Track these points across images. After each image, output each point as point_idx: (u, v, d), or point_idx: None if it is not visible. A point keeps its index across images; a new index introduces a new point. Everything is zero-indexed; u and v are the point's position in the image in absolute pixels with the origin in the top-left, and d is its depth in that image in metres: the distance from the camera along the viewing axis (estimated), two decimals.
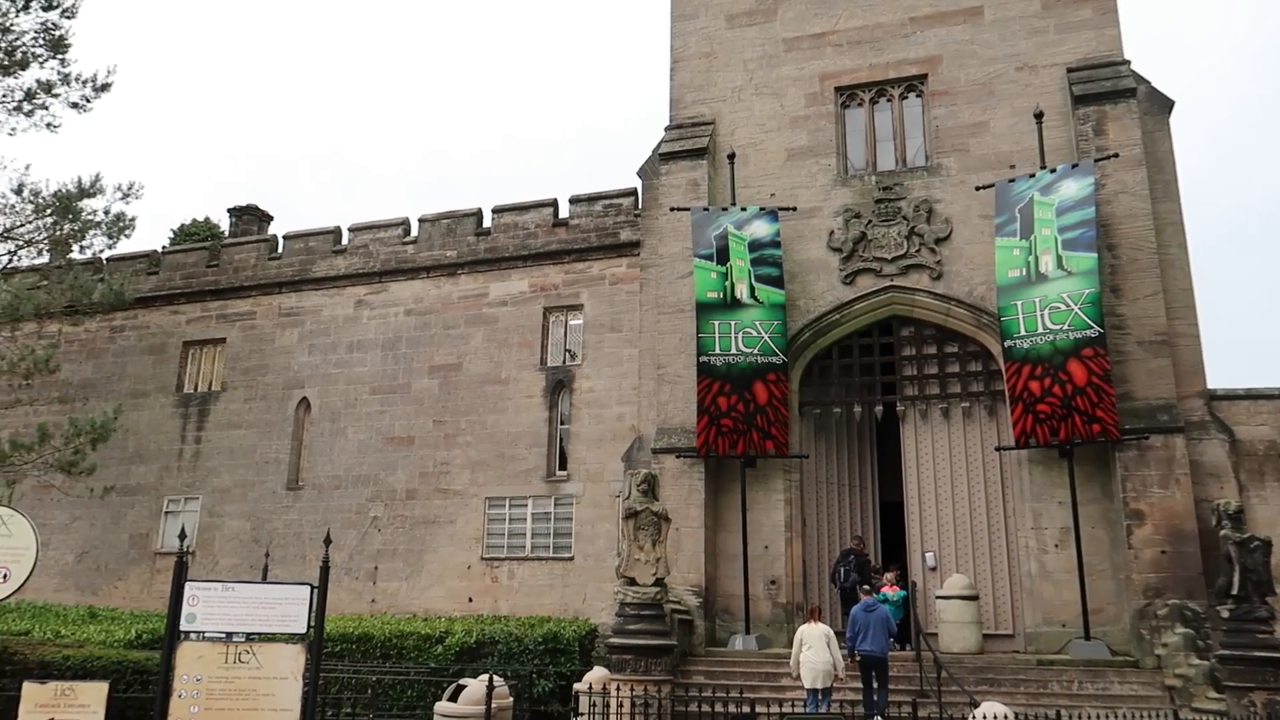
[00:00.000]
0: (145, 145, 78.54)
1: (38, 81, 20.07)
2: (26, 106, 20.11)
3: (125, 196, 21.48)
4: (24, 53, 19.77)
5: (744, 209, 18.15)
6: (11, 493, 21.49)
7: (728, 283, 17.68)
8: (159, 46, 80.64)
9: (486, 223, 23.66)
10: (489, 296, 23.03)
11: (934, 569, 17.31)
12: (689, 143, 19.46)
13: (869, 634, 13.17)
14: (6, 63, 19.57)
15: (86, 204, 20.69)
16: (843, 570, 16.48)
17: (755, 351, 17.42)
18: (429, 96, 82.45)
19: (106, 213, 21.11)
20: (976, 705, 11.64)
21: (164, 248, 28.07)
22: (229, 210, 30.46)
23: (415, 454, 22.50)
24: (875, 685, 13.25)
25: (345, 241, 24.82)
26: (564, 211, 23.05)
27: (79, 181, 20.31)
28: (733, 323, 17.53)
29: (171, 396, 25.23)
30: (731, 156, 18.74)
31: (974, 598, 16.02)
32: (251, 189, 73.71)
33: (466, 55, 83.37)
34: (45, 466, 19.93)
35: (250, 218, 30.26)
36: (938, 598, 16.28)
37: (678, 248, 18.79)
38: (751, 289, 17.63)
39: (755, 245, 17.82)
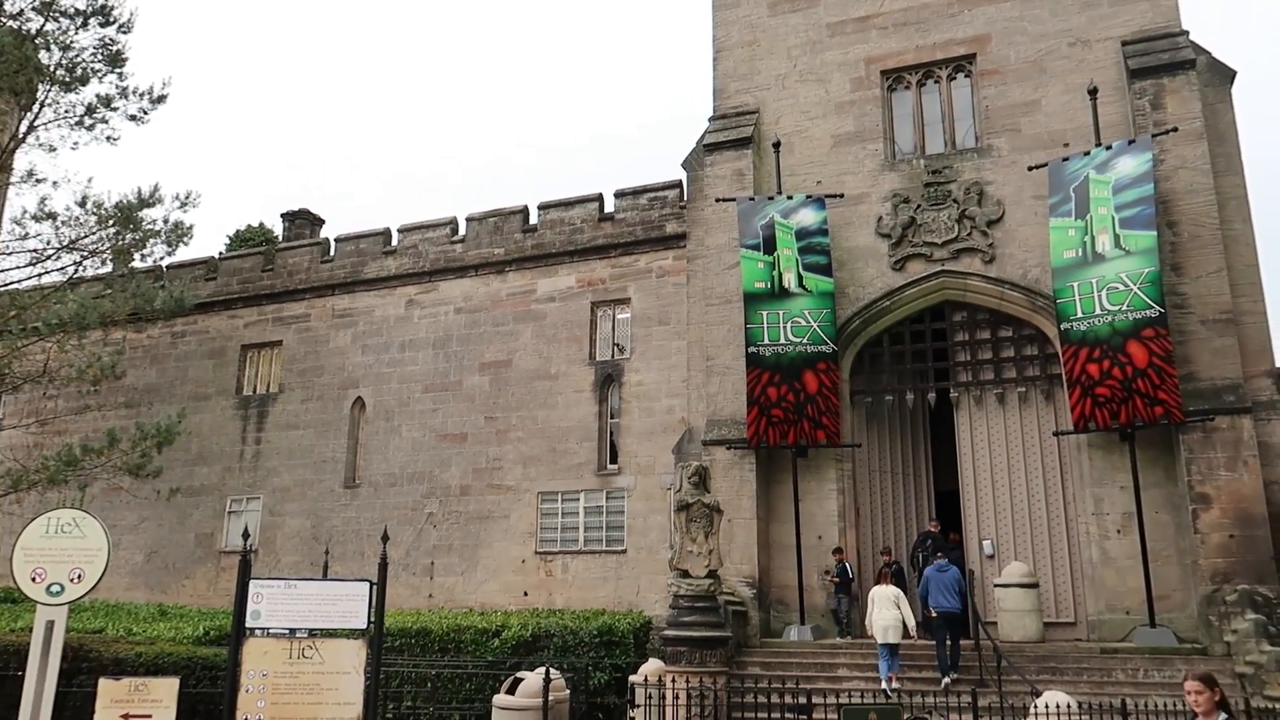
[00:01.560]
0: (200, 153, 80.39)
1: (97, 96, 20.57)
2: (87, 121, 20.62)
3: (183, 205, 21.97)
4: (84, 69, 20.28)
5: (790, 197, 18.00)
6: (83, 496, 22.21)
7: (775, 272, 17.56)
8: (210, 55, 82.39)
9: (533, 220, 23.80)
10: (537, 293, 23.17)
11: (992, 557, 17.05)
12: (733, 132, 19.35)
13: (942, 592, 14.09)
14: (68, 79, 20.11)
15: (146, 214, 21.19)
16: (921, 555, 16.62)
17: (804, 341, 17.29)
18: (469, 99, 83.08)
19: (165, 221, 21.61)
20: (1038, 695, 11.45)
21: (221, 254, 28.73)
22: (282, 215, 31.08)
23: (468, 450, 22.76)
24: (948, 642, 13.98)
25: (395, 242, 25.16)
26: (609, 206, 23.09)
27: (139, 192, 20.82)
28: (781, 312, 17.42)
29: (231, 399, 25.83)
30: (777, 145, 18.59)
31: (1034, 585, 15.74)
32: (302, 194, 75.01)
33: (485, 61, 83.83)
34: (114, 470, 20.53)
35: (302, 222, 30.84)
36: (996, 586, 16.03)
37: (724, 238, 18.70)
38: (799, 278, 17.49)
39: (802, 234, 17.67)
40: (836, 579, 16.65)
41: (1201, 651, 14.10)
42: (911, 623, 13.97)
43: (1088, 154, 16.15)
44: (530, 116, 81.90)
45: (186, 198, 21.92)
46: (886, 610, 13.88)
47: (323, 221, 31.32)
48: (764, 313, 17.44)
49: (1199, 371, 15.48)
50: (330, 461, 24.15)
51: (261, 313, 26.20)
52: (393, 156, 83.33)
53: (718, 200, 18.77)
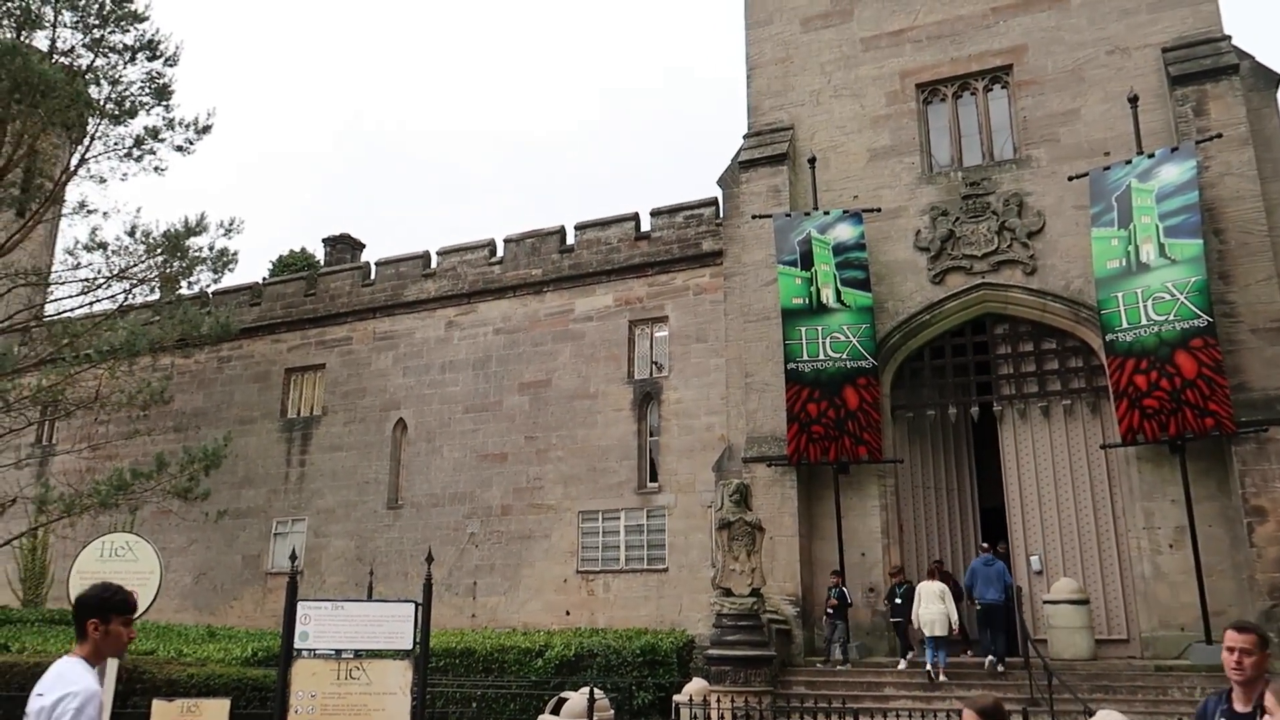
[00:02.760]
0: (243, 178, 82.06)
1: (145, 128, 21.24)
2: (136, 152, 21.28)
3: (228, 232, 22.51)
4: (132, 102, 20.92)
5: (826, 213, 17.96)
6: (134, 519, 22.66)
7: (813, 288, 17.50)
8: (253, 80, 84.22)
9: (570, 240, 23.97)
10: (574, 312, 23.30)
11: (1040, 573, 16.74)
12: (768, 149, 19.36)
13: (989, 585, 14.81)
14: (117, 113, 20.74)
15: (193, 242, 21.78)
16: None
17: (844, 356, 17.19)
18: (508, 120, 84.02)
19: (211, 249, 22.18)
20: (1091, 714, 11.21)
21: (264, 279, 29.26)
22: (323, 240, 31.59)
23: (509, 470, 22.87)
24: (990, 633, 14.74)
25: (434, 265, 25.46)
26: (645, 225, 23.19)
27: (186, 221, 21.38)
28: (820, 328, 17.34)
29: (276, 422, 26.22)
30: (812, 160, 18.58)
31: (1084, 602, 15.43)
32: (343, 217, 76.17)
33: (526, 81, 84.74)
34: (163, 493, 20.95)
35: (343, 246, 31.32)
36: (1045, 602, 15.73)
37: (761, 255, 18.69)
38: (838, 293, 17.41)
39: (840, 249, 17.61)
40: (834, 603, 15.71)
41: None
42: (955, 618, 14.44)
43: (1129, 162, 15.94)
44: (570, 137, 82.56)
45: (231, 224, 22.45)
46: (933, 604, 14.34)
47: (363, 245, 31.79)
48: (802, 329, 17.37)
49: (1251, 381, 15.14)
50: (373, 483, 24.40)
51: (304, 337, 26.61)
52: (433, 181, 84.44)
53: (754, 217, 18.78)
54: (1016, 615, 14.82)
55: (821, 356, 17.24)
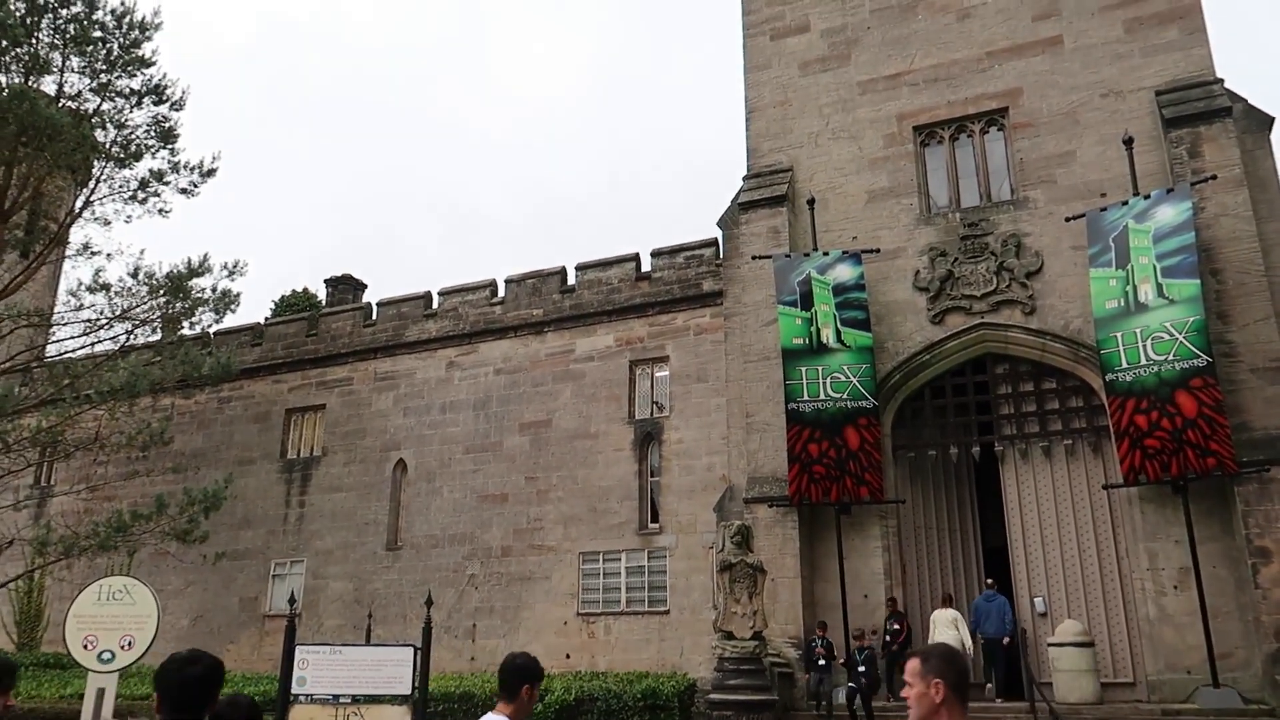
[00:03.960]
0: (246, 219, 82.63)
1: (150, 171, 21.44)
2: (140, 195, 21.47)
3: (230, 274, 22.64)
4: (137, 145, 21.14)
5: (826, 254, 18.07)
6: (131, 561, 22.50)
7: (813, 328, 17.55)
8: (256, 122, 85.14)
9: (570, 280, 24.08)
10: (575, 352, 23.34)
11: (1044, 614, 16.60)
12: (767, 190, 19.52)
13: (990, 619, 15.67)
14: (122, 156, 20.95)
15: (196, 283, 21.91)
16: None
17: (844, 396, 17.19)
18: (505, 161, 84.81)
19: (214, 290, 22.30)
20: None
21: (266, 320, 29.37)
22: (325, 281, 31.80)
23: (509, 511, 22.76)
24: (995, 667, 15.61)
25: (435, 305, 25.56)
26: (646, 265, 23.31)
27: (188, 262, 21.51)
28: (820, 368, 17.36)
29: (276, 463, 26.15)
30: (811, 202, 18.73)
31: (1089, 644, 15.27)
32: (344, 258, 76.59)
33: (527, 120, 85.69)
34: (162, 535, 20.83)
35: (345, 287, 31.51)
36: (1050, 645, 15.57)
37: (761, 295, 18.76)
38: (838, 333, 17.46)
39: (839, 289, 17.69)
40: (821, 652, 15.31)
41: (1270, 713, 13.53)
42: (969, 643, 15.07)
43: (1126, 204, 16.07)
44: (568, 176, 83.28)
45: (234, 266, 22.57)
46: (946, 631, 14.99)
47: (365, 286, 31.99)
48: (803, 369, 17.39)
49: (1252, 421, 15.12)
50: (372, 524, 24.27)
51: (305, 377, 26.62)
52: (433, 216, 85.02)
53: (754, 258, 18.88)
54: (1021, 658, 14.66)
55: (822, 396, 17.24)
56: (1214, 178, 15.90)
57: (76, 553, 19.68)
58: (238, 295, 22.88)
